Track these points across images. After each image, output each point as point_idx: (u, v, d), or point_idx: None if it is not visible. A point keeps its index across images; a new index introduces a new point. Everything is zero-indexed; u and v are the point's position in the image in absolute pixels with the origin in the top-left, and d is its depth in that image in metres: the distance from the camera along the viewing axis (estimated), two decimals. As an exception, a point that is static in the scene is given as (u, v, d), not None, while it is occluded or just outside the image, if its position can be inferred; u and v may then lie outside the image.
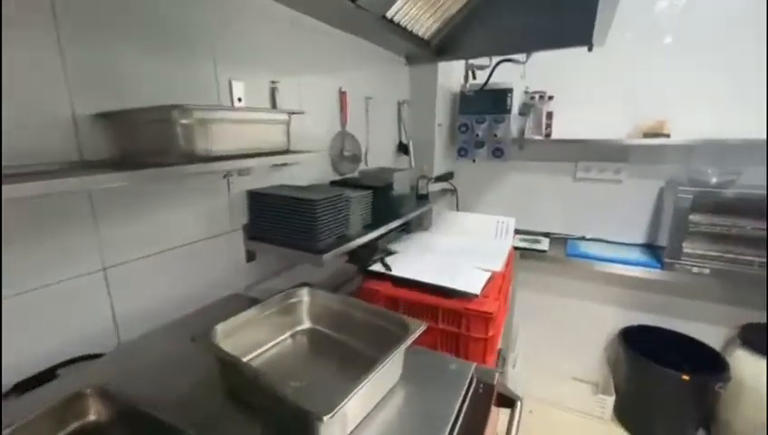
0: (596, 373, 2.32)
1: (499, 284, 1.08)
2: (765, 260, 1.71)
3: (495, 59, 2.00)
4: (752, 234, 1.70)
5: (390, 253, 1.31)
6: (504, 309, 1.22)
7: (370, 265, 1.15)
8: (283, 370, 0.76)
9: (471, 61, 2.15)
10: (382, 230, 1.35)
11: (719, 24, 1.76)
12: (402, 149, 2.02)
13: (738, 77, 1.75)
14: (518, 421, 0.77)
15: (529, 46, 1.64)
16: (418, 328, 0.68)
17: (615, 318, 2.20)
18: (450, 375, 0.73)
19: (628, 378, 2.03)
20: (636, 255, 1.99)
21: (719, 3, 1.75)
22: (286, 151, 0.93)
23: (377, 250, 1.43)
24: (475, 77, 2.16)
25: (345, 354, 0.78)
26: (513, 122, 2.21)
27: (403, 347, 0.66)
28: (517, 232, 2.38)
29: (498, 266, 1.14)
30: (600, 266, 1.96)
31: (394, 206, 1.58)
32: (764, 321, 1.89)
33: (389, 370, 0.68)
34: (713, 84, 1.80)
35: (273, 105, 1.17)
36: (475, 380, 0.72)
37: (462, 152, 2.28)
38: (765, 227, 1.66)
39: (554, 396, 2.22)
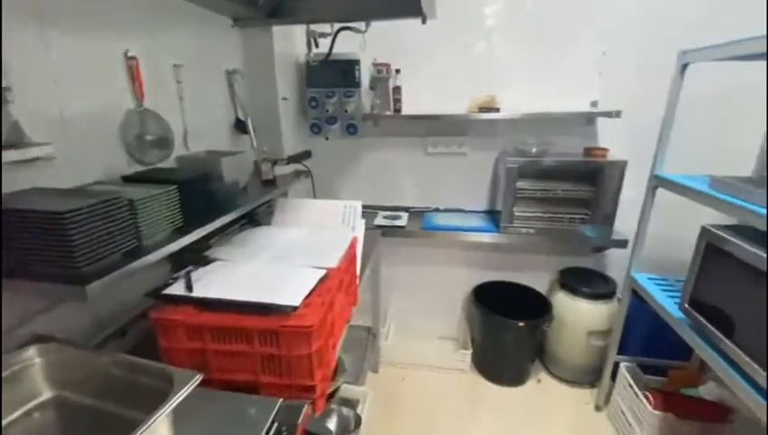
0: (456, 330, 2.55)
1: (334, 282, 0.98)
2: (575, 216, 2.04)
3: (337, 26, 1.84)
4: (562, 195, 1.99)
5: (207, 262, 1.09)
6: (348, 303, 1.14)
7: (168, 286, 0.92)
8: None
9: (312, 27, 1.96)
10: (201, 233, 1.12)
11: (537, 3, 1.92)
12: (240, 127, 1.74)
13: (551, 54, 1.96)
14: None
15: (363, 14, 1.53)
16: (186, 384, 0.52)
17: (468, 278, 2.41)
18: (247, 423, 0.60)
19: (480, 330, 2.27)
20: (480, 221, 2.18)
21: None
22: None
23: (203, 257, 1.20)
24: (317, 45, 1.98)
25: (104, 429, 0.58)
26: (366, 97, 2.13)
27: (162, 413, 0.49)
28: (380, 209, 2.38)
29: (334, 262, 1.05)
30: (453, 235, 2.11)
31: (226, 198, 1.34)
32: (576, 265, 2.29)
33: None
34: (533, 61, 1.98)
35: (-8, 76, 0.80)
36: (276, 423, 0.60)
37: (315, 129, 2.11)
38: (576, 188, 1.97)
39: (423, 358, 2.36)
